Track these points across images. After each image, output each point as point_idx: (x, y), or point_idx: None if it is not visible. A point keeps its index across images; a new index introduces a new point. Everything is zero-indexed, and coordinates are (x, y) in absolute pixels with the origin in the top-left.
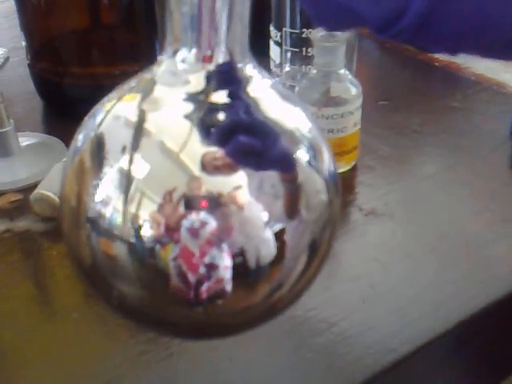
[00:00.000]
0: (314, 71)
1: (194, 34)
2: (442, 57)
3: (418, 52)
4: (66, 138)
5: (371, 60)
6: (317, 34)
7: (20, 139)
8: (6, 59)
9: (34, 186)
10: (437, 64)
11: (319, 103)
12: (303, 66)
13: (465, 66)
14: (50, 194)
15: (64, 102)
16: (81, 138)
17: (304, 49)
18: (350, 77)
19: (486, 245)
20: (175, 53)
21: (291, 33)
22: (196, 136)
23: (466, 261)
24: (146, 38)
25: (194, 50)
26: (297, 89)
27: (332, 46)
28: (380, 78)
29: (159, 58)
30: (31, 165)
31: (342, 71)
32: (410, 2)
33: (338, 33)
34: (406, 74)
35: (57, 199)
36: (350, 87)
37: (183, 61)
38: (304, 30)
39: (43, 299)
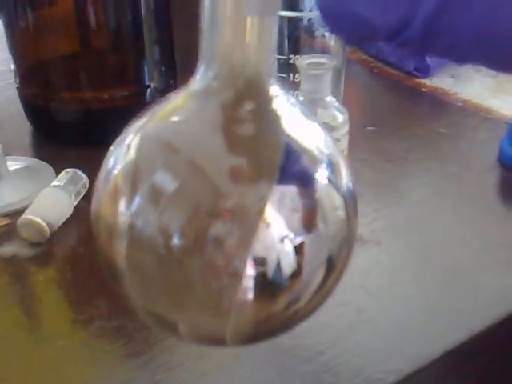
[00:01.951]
0: (301, 98)
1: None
2: (430, 82)
3: (405, 77)
4: (55, 162)
5: (359, 85)
6: (303, 61)
7: (8, 163)
8: None
9: (22, 210)
10: (424, 89)
11: None
12: (291, 92)
13: (452, 92)
14: (37, 219)
15: (52, 126)
16: (112, 159)
17: (291, 74)
18: (336, 104)
19: (473, 272)
20: (208, 71)
21: (279, 58)
22: (223, 150)
23: (453, 288)
24: (135, 62)
25: (226, 68)
26: None
27: (318, 74)
28: (367, 103)
29: (192, 78)
30: (19, 189)
31: (329, 98)
32: (416, 10)
33: (325, 60)
34: (393, 99)
35: (44, 225)
36: (336, 114)
37: (215, 78)
38: (291, 56)
39: (29, 325)
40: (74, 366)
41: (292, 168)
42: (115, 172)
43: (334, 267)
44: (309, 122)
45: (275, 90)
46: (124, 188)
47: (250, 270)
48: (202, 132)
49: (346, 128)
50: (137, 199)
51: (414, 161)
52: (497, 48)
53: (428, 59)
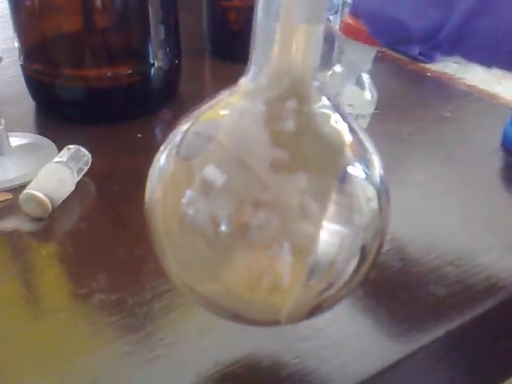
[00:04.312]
0: (340, 69)
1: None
2: (435, 67)
3: (410, 62)
4: (57, 138)
5: None
6: None
7: (11, 139)
8: None
9: (24, 185)
10: (429, 74)
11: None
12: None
13: (457, 77)
14: (39, 194)
15: (56, 104)
16: (164, 156)
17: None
18: (369, 81)
19: (473, 255)
20: (258, 73)
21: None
22: (266, 144)
23: (453, 271)
24: (139, 40)
25: (273, 69)
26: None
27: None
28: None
29: (242, 79)
30: (21, 165)
31: (365, 75)
32: (448, 16)
33: None
34: (398, 83)
35: (46, 199)
36: (368, 91)
37: (264, 79)
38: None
39: (31, 299)
40: (74, 338)
41: None
42: (168, 165)
43: (366, 257)
44: (347, 119)
45: (317, 91)
46: (178, 180)
47: (289, 257)
48: (248, 128)
49: (373, 107)
50: (189, 191)
51: (418, 144)
52: None
53: None
